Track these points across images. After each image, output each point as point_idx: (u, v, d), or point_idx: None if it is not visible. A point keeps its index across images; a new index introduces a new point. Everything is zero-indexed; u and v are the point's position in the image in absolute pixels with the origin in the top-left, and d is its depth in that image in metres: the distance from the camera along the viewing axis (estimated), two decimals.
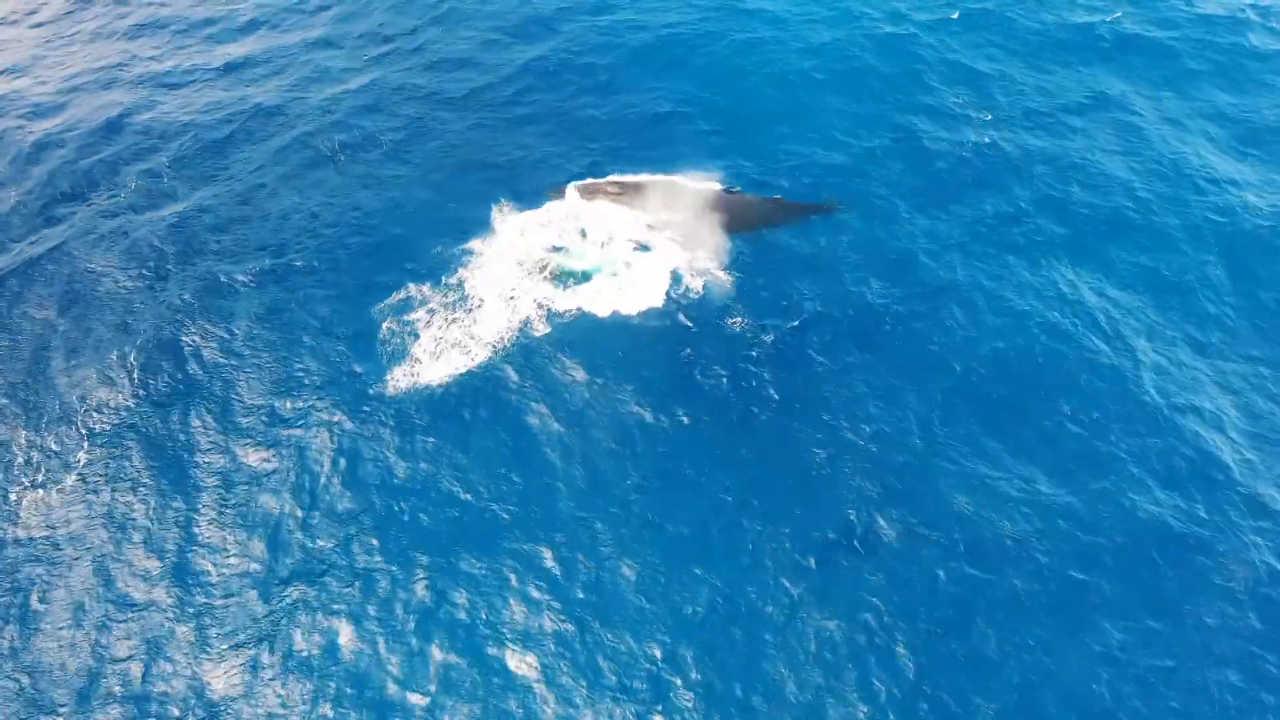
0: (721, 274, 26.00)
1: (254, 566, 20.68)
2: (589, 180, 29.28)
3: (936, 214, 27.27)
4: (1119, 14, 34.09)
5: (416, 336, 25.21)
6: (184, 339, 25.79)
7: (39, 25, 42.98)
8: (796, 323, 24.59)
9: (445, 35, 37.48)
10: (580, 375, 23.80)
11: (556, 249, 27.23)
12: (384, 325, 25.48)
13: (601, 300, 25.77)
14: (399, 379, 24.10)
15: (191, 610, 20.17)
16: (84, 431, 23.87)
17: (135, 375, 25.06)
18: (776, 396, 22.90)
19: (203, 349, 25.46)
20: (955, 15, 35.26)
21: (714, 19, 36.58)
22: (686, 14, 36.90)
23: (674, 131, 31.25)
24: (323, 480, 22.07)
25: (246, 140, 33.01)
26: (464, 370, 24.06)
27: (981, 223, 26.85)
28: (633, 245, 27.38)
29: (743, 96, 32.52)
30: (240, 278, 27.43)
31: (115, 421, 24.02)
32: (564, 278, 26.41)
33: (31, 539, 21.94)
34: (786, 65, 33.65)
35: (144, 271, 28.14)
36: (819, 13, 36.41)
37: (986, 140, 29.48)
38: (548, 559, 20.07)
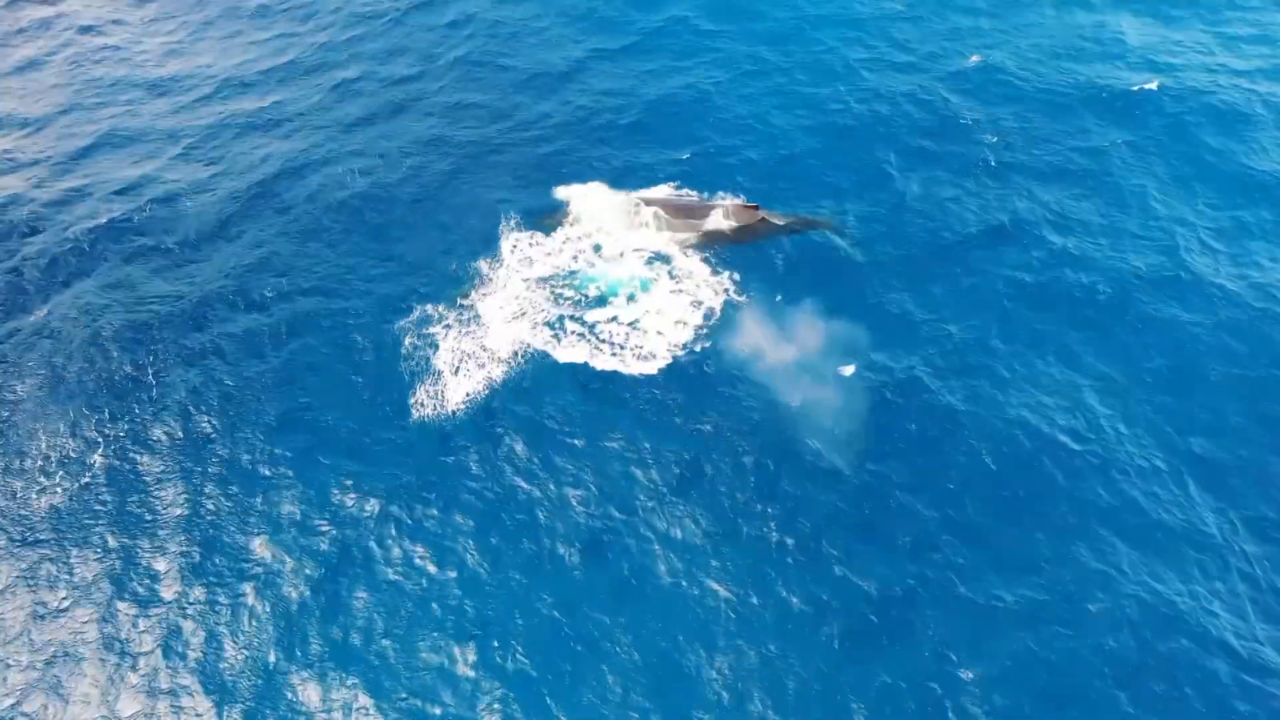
0: (741, 299, 25.94)
1: (265, 619, 20.36)
2: (606, 193, 29.46)
3: (948, 264, 27.25)
4: (1150, 80, 34.33)
5: (436, 347, 25.38)
6: (202, 383, 25.53)
7: (58, 73, 43.09)
8: (816, 361, 24.31)
9: (465, 77, 38.13)
10: (590, 413, 23.54)
11: (572, 272, 27.21)
12: (406, 341, 25.57)
13: (615, 327, 25.41)
14: (423, 401, 23.97)
15: (196, 669, 19.77)
16: (97, 476, 23.50)
17: (154, 420, 24.71)
18: (794, 448, 22.52)
19: (223, 392, 25.22)
20: (970, 62, 35.93)
21: (726, 65, 37.27)
22: (701, 58, 37.70)
23: (688, 166, 31.62)
24: (335, 519, 21.86)
25: (268, 185, 33.09)
26: (481, 394, 23.96)
27: (997, 278, 26.74)
28: (649, 264, 27.30)
29: (755, 140, 32.94)
30: (261, 320, 27.31)
31: (131, 467, 23.67)
32: (579, 300, 26.27)
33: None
34: (797, 115, 34.10)
35: (162, 318, 27.94)
36: (826, 61, 37.10)
37: (998, 192, 29.70)
38: (560, 628, 19.63)
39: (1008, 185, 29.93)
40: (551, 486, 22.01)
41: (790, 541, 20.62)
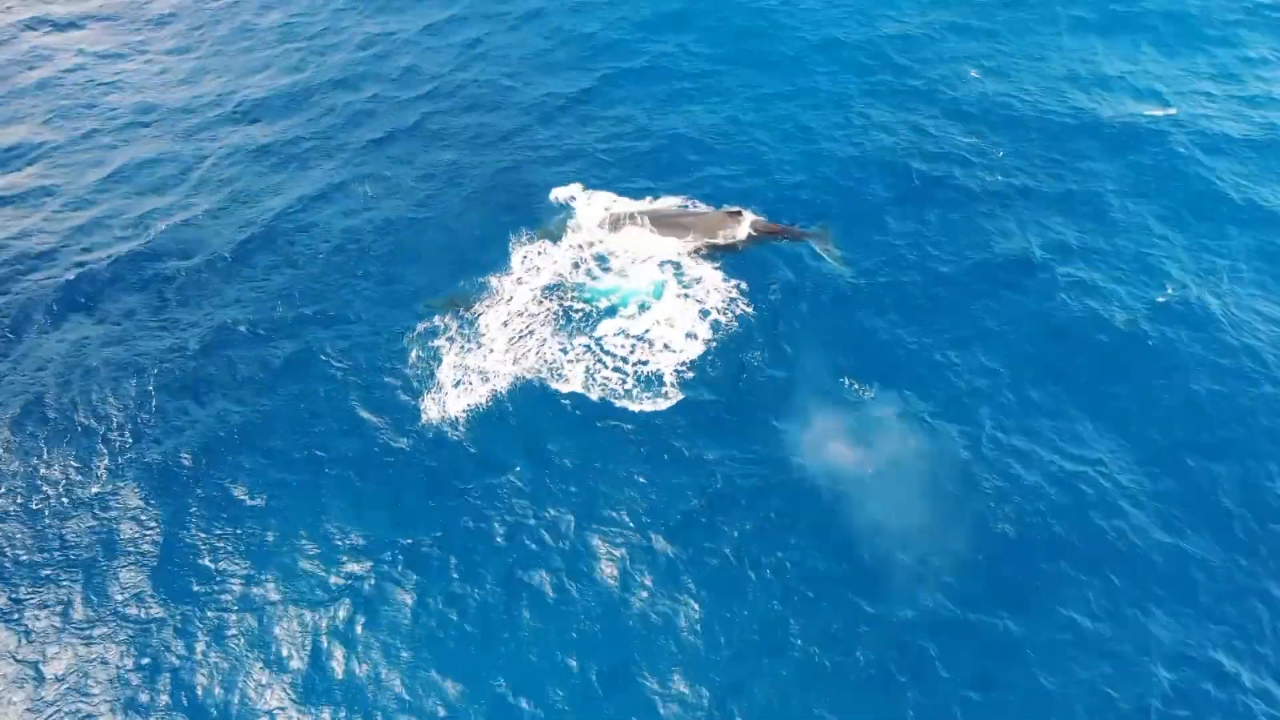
0: (749, 311, 25.87)
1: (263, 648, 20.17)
2: (608, 203, 29.79)
3: (953, 290, 27.09)
4: (1159, 109, 34.26)
5: (440, 361, 25.37)
6: (205, 413, 25.38)
7: (72, 99, 43.15)
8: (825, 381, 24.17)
9: (475, 98, 38.59)
10: (595, 433, 23.32)
11: (580, 284, 27.19)
12: (410, 357, 25.60)
13: (623, 340, 25.24)
14: (428, 420, 23.89)
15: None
16: (96, 503, 23.32)
17: (155, 448, 24.53)
18: (803, 474, 22.16)
19: (226, 420, 25.08)
20: (974, 88, 36.12)
21: (729, 93, 37.61)
22: (705, 84, 38.20)
23: (691, 192, 31.78)
24: (336, 548, 21.70)
25: (281, 210, 33.17)
26: (484, 409, 23.86)
27: (1003, 306, 26.60)
28: (659, 272, 27.27)
29: (757, 167, 33.05)
30: (269, 346, 27.25)
31: (129, 495, 23.50)
32: (588, 311, 26.22)
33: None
34: (799, 141, 34.27)
35: (168, 346, 27.88)
36: (829, 88, 37.40)
37: (1003, 220, 29.64)
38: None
39: (1012, 212, 29.84)
40: (552, 510, 21.72)
41: (802, 576, 20.26)
